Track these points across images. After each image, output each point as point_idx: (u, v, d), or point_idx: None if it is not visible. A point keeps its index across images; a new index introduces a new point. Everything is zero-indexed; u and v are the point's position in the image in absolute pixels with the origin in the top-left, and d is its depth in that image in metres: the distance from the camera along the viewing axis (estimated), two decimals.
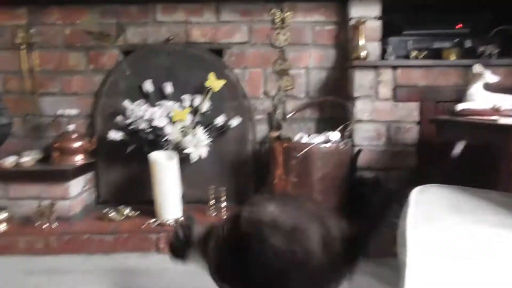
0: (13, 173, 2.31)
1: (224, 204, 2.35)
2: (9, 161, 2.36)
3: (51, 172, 2.32)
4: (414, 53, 2.44)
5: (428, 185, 1.24)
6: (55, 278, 1.90)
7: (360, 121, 2.40)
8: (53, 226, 2.21)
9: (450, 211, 1.05)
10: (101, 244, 2.13)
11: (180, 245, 1.35)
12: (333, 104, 2.55)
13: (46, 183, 2.29)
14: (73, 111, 2.50)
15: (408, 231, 0.92)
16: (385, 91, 2.40)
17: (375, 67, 2.40)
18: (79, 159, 2.46)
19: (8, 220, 2.23)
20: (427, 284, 0.70)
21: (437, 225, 0.96)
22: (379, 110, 2.41)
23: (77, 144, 2.45)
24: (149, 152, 2.29)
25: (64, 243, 2.13)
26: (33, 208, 2.25)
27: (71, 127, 2.48)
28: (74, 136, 2.47)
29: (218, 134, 2.50)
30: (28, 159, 2.39)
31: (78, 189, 2.41)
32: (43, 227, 2.20)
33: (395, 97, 2.40)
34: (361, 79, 2.40)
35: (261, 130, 2.61)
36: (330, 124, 2.50)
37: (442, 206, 1.09)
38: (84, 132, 2.59)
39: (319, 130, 2.55)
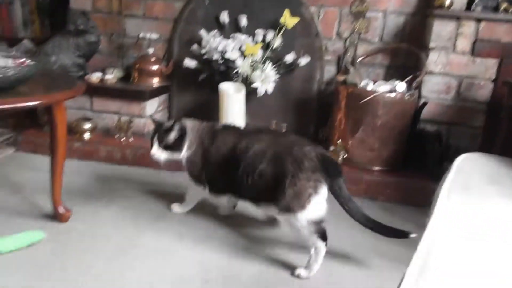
0: (98, 88, 2.55)
1: None
2: (95, 76, 2.60)
3: (131, 91, 2.54)
4: (504, 5, 2.28)
5: (474, 153, 1.27)
6: (130, 185, 2.17)
7: (431, 72, 2.35)
8: (129, 140, 2.47)
9: (488, 182, 1.08)
10: (168, 162, 2.36)
11: (174, 139, 1.74)
12: (406, 52, 2.48)
13: (126, 101, 2.52)
14: (154, 35, 2.66)
15: (439, 199, 0.98)
16: (463, 44, 2.30)
17: (457, 18, 2.28)
18: (155, 81, 2.65)
19: (92, 130, 2.52)
20: (437, 256, 0.74)
21: (469, 195, 1.00)
22: (454, 64, 2.33)
23: (155, 67, 2.63)
24: (220, 82, 2.42)
25: (138, 157, 2.39)
26: (113, 122, 2.52)
27: (151, 50, 2.65)
28: (153, 59, 2.64)
29: (286, 71, 2.55)
30: (111, 76, 2.61)
31: (153, 109, 2.62)
32: (121, 140, 2.46)
33: (474, 52, 2.30)
34: (440, 29, 2.31)
35: (329, 71, 2.62)
36: (399, 72, 2.47)
37: (482, 175, 1.12)
38: (161, 56, 2.76)
39: (387, 77, 2.53)
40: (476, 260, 0.76)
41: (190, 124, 1.81)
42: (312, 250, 1.52)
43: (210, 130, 1.80)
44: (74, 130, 2.46)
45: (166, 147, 1.76)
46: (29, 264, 1.49)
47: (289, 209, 1.50)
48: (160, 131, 1.76)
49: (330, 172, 1.51)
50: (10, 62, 1.48)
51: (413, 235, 1.50)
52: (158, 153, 1.76)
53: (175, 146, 1.76)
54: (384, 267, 1.63)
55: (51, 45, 2.50)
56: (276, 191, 1.52)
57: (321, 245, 1.51)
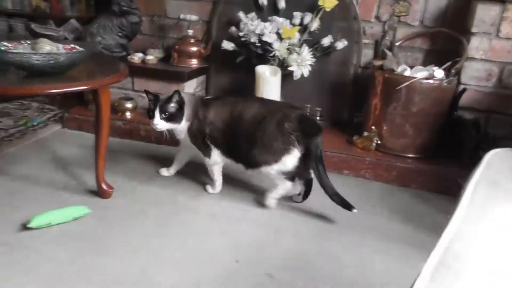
0: (139, 68, 2.64)
1: None
2: (137, 57, 2.69)
3: (170, 72, 2.62)
4: None
5: (506, 148, 1.26)
6: (167, 164, 2.25)
7: (472, 58, 2.30)
8: None
9: None
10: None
11: (174, 110, 1.85)
12: (446, 37, 2.43)
13: (166, 81, 2.60)
14: (194, 17, 2.71)
15: (466, 193, 0.99)
16: (508, 29, 2.23)
17: (502, 1, 2.21)
18: (194, 62, 2.71)
19: (133, 109, 2.62)
20: (456, 252, 0.76)
21: (497, 192, 1.01)
22: (496, 50, 2.27)
23: (194, 49, 2.69)
24: (256, 65, 2.45)
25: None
26: None
27: (190, 32, 2.71)
28: (192, 40, 2.70)
29: (322, 54, 2.55)
30: (152, 57, 2.69)
31: (191, 90, 2.69)
32: None
33: None
34: (483, 14, 2.24)
35: (366, 54, 2.60)
36: (439, 57, 2.42)
37: None
38: (201, 38, 2.81)
39: (426, 62, 2.49)
40: (494, 260, 0.77)
41: (186, 95, 1.91)
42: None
43: (202, 101, 1.94)
44: (116, 109, 2.57)
45: (167, 117, 1.84)
46: (75, 236, 1.62)
47: (264, 163, 1.79)
48: (161, 102, 1.84)
49: (308, 131, 1.76)
50: (61, 48, 1.57)
51: (355, 210, 1.76)
52: (161, 123, 1.84)
53: (176, 116, 1.86)
54: (414, 256, 1.66)
55: (96, 26, 2.60)
56: (258, 149, 1.78)
57: (288, 183, 1.83)
